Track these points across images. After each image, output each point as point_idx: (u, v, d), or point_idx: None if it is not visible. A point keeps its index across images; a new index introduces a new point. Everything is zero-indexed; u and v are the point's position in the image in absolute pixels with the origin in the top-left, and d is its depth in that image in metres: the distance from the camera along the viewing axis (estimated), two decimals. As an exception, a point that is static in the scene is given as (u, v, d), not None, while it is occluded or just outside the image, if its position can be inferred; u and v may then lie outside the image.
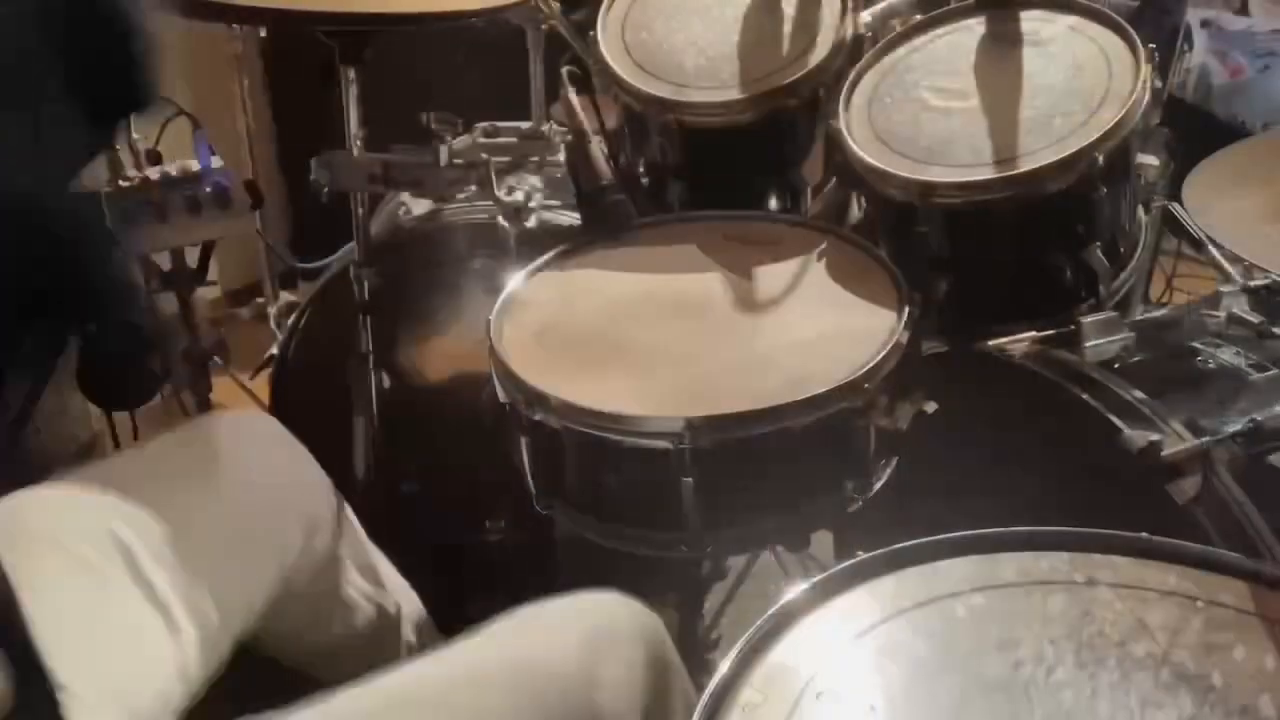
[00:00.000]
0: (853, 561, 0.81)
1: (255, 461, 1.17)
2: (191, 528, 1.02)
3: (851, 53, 1.53)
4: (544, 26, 1.69)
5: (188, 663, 0.98)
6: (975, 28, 1.49)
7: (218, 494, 1.09)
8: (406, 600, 1.33)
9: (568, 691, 0.93)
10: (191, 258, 1.72)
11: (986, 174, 1.32)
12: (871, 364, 1.15)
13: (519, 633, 0.98)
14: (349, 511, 1.26)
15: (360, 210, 1.62)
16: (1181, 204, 1.37)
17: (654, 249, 1.43)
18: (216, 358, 1.85)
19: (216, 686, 1.04)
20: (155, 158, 1.70)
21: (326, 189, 1.57)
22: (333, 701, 0.89)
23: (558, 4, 1.64)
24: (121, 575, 0.96)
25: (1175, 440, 1.15)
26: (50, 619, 0.84)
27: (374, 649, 1.26)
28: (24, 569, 0.84)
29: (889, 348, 1.18)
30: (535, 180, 1.74)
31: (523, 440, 1.22)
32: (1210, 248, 1.46)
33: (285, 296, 2.39)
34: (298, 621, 1.17)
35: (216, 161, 1.67)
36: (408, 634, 1.31)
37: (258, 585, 1.09)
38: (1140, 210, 1.46)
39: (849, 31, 1.53)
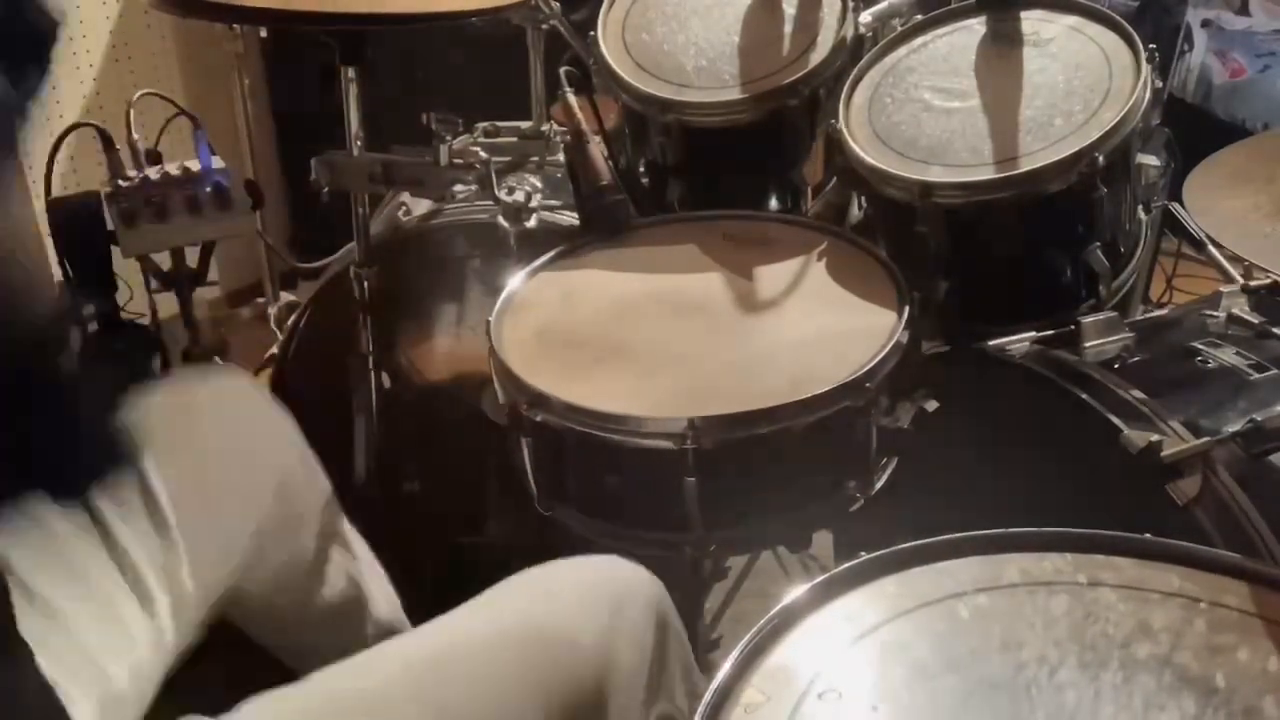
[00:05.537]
0: (855, 562, 0.81)
1: (226, 418, 1.14)
2: (163, 488, 1.00)
3: (851, 53, 1.53)
4: (544, 26, 1.69)
5: (163, 632, 0.97)
6: (975, 28, 1.49)
7: (188, 452, 1.06)
8: (375, 577, 1.32)
9: (577, 654, 0.93)
10: (191, 258, 1.72)
11: (987, 174, 1.32)
12: (872, 363, 1.16)
13: (526, 597, 0.98)
14: (323, 480, 1.24)
15: (360, 210, 1.61)
16: (1182, 204, 1.37)
17: (654, 249, 1.43)
18: (216, 358, 1.85)
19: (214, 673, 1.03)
20: (155, 158, 1.70)
21: (326, 189, 1.57)
22: (337, 677, 0.90)
23: (558, 4, 1.64)
24: (94, 545, 0.94)
25: (1175, 440, 1.15)
26: (24, 594, 0.83)
27: (342, 622, 1.24)
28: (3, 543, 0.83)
29: (889, 347, 1.18)
30: (535, 180, 1.74)
31: (524, 441, 1.22)
32: (1210, 248, 1.46)
33: (285, 296, 2.39)
34: (267, 588, 1.15)
35: (217, 161, 1.67)
36: (377, 611, 1.30)
37: (231, 547, 1.07)
38: (1140, 210, 1.47)
39: (849, 31, 1.53)
